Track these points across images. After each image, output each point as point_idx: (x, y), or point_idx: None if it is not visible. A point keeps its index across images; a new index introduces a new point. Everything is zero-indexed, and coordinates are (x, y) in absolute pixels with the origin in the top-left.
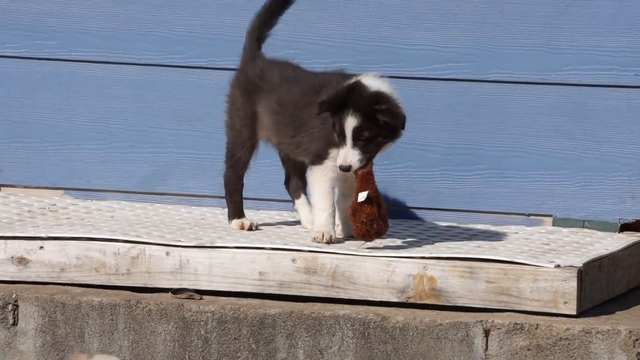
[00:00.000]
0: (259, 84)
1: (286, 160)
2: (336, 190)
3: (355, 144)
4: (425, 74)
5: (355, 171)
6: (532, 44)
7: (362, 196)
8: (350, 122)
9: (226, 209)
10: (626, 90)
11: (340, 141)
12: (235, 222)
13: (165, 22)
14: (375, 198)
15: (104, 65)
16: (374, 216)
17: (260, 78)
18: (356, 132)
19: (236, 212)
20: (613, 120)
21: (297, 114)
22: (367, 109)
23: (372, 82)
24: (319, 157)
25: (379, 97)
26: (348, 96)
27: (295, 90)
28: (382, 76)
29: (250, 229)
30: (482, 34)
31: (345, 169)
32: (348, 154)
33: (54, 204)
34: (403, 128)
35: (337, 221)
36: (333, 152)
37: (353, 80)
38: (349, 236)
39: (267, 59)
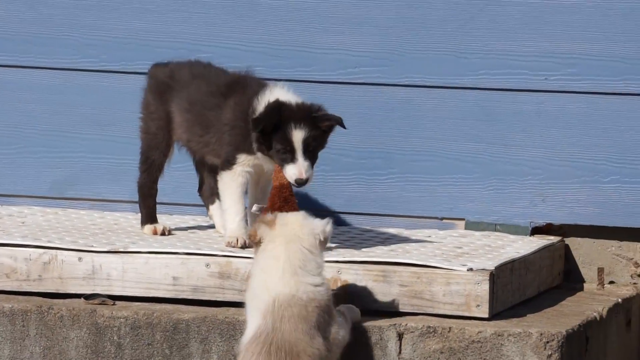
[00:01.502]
0: (169, 84)
1: (200, 165)
2: (247, 196)
3: (305, 155)
4: (337, 78)
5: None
6: (443, 48)
7: (256, 208)
8: (298, 135)
9: (139, 214)
10: (535, 94)
11: (286, 156)
12: (148, 227)
13: (78, 26)
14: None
15: (15, 69)
16: None
17: (170, 78)
18: (305, 143)
19: (149, 217)
20: (523, 124)
21: (205, 113)
22: (308, 119)
23: (288, 95)
24: (228, 163)
25: (311, 107)
26: (281, 112)
27: (204, 88)
28: (281, 81)
29: (163, 233)
30: (394, 38)
31: (302, 182)
32: (302, 167)
33: None
34: (344, 126)
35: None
36: (241, 158)
37: (274, 99)
38: None
39: (176, 62)
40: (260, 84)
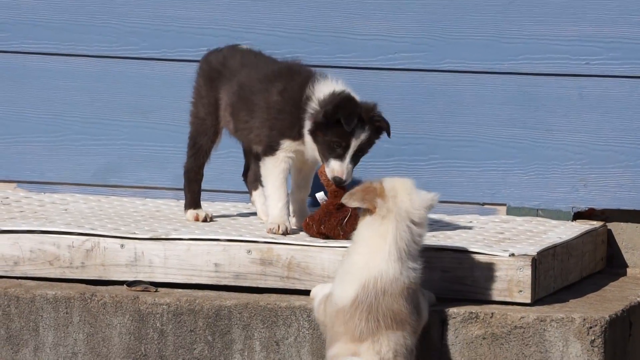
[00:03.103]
0: (221, 71)
1: (248, 151)
2: (290, 181)
3: (352, 158)
4: (378, 64)
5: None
6: (483, 33)
7: (320, 196)
8: (358, 135)
9: (181, 201)
10: (577, 78)
11: (337, 151)
12: (191, 213)
13: (118, 14)
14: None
15: (55, 57)
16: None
17: (222, 65)
18: (360, 146)
19: (193, 202)
20: (564, 108)
21: (251, 99)
22: (370, 121)
23: (341, 87)
24: (271, 148)
25: (368, 106)
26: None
27: (252, 75)
28: (321, 67)
29: (205, 220)
30: (434, 23)
31: (340, 182)
32: (346, 169)
33: (7, 197)
34: (389, 134)
35: (292, 212)
36: (285, 143)
37: (329, 90)
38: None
39: (230, 47)
40: (310, 72)
